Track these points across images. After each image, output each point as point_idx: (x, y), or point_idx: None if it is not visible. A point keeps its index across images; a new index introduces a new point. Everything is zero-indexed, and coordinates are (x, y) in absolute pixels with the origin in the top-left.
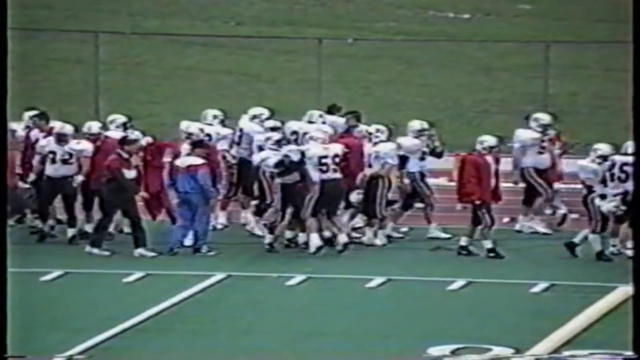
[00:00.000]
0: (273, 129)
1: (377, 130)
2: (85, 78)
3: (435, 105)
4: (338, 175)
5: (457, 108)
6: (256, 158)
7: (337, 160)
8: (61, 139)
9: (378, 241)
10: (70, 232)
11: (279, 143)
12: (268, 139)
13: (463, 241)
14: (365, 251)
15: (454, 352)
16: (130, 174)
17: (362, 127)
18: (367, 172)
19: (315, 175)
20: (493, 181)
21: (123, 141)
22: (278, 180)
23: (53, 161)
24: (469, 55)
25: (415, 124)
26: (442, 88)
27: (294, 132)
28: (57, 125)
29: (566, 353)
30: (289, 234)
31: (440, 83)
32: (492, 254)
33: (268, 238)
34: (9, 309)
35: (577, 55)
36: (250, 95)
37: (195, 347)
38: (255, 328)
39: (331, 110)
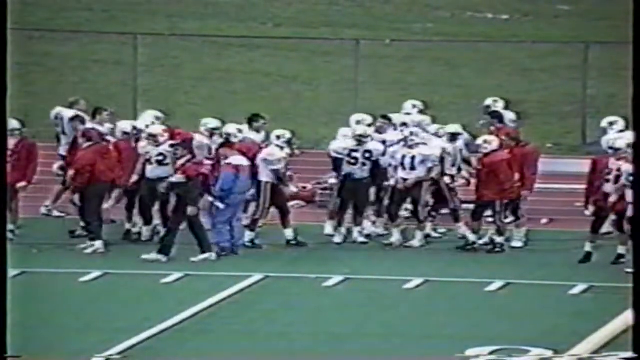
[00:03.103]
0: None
1: (411, 134)
2: (124, 80)
3: (474, 107)
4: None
5: None
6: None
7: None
8: (151, 139)
9: (416, 242)
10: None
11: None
12: (279, 137)
13: (620, 250)
14: (403, 252)
15: (492, 354)
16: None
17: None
18: (405, 174)
19: None
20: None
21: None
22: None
23: (149, 162)
24: (507, 57)
25: (450, 128)
26: (480, 89)
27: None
28: (148, 126)
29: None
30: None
31: (479, 84)
32: (584, 259)
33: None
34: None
35: (617, 56)
36: (288, 97)
37: (233, 348)
38: (292, 329)
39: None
